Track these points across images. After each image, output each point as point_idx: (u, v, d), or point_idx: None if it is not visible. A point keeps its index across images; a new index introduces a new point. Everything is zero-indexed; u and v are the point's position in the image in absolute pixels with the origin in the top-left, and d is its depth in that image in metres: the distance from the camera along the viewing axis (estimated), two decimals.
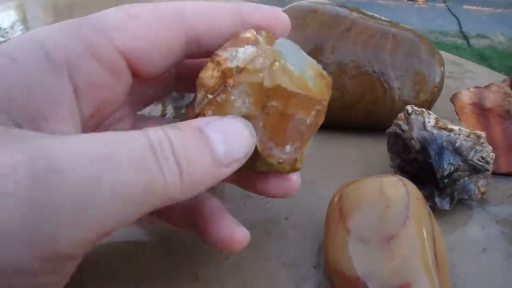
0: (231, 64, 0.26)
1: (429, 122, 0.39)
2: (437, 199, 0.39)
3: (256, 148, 0.27)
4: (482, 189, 0.40)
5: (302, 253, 0.36)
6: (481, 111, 0.49)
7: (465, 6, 4.70)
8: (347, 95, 0.47)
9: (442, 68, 0.50)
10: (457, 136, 0.38)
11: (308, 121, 0.28)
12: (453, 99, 0.50)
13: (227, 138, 0.24)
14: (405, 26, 0.52)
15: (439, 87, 0.49)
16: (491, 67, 3.03)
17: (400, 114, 0.41)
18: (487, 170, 0.39)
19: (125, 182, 0.19)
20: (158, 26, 0.27)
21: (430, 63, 0.48)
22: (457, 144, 0.38)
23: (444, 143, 0.38)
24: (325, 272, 0.34)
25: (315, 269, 0.34)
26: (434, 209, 0.40)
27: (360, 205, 0.31)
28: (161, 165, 0.21)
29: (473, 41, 3.57)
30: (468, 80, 0.72)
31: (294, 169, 0.30)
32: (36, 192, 0.18)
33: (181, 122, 0.24)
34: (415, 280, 0.28)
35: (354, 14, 0.50)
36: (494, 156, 0.40)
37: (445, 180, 0.38)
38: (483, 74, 0.76)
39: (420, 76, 0.48)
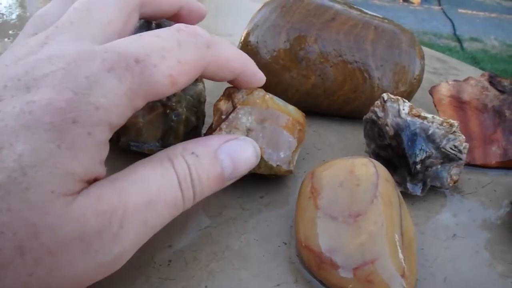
0: (237, 94, 0.38)
1: (403, 109, 0.40)
2: (409, 184, 0.40)
3: (260, 152, 0.35)
4: (455, 178, 0.41)
5: (274, 230, 0.37)
6: (459, 103, 0.50)
7: (460, 10, 4.73)
8: (328, 82, 0.48)
9: (422, 61, 0.50)
10: (430, 123, 0.39)
11: (293, 136, 0.39)
12: (432, 91, 0.51)
13: (235, 161, 0.30)
14: (389, 19, 0.53)
15: (418, 79, 0.50)
16: (483, 70, 3.05)
17: (376, 102, 0.41)
18: (460, 159, 0.40)
19: (162, 221, 0.27)
20: None
21: (410, 55, 0.49)
22: (430, 132, 0.39)
23: (417, 130, 0.39)
24: (295, 247, 0.35)
25: (285, 245, 0.35)
26: (407, 194, 0.41)
27: (331, 183, 0.32)
28: (184, 199, 0.27)
29: (466, 44, 3.60)
30: (452, 76, 0.74)
31: (288, 171, 0.38)
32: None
33: (200, 144, 0.30)
34: (380, 255, 0.29)
35: (339, 5, 0.51)
36: (467, 146, 0.40)
37: (417, 166, 0.39)
38: (467, 72, 0.77)
39: (399, 67, 0.49)
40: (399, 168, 0.40)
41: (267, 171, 0.38)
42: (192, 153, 0.28)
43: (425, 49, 0.84)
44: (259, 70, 0.36)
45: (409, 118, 0.39)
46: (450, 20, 4.19)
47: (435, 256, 0.36)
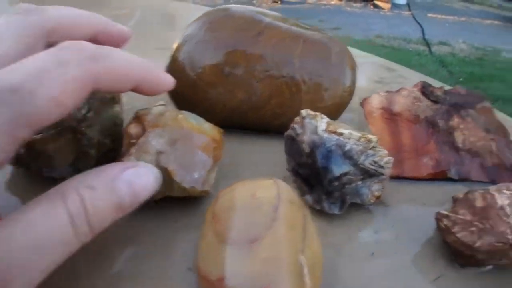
0: (147, 117, 0.37)
1: (320, 126, 0.39)
2: (325, 203, 0.39)
3: (172, 176, 0.35)
4: (376, 193, 0.40)
5: (182, 255, 0.36)
6: (390, 115, 0.49)
7: (429, 14, 4.79)
8: (254, 98, 0.47)
9: (353, 72, 0.50)
10: (346, 140, 0.38)
11: (208, 155, 0.38)
12: (363, 103, 0.50)
13: (134, 188, 0.29)
14: (323, 32, 0.52)
15: (349, 91, 0.49)
16: (451, 73, 3.09)
17: (296, 118, 0.41)
18: (382, 174, 0.40)
19: (52, 262, 0.26)
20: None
21: (340, 67, 0.49)
22: (347, 148, 0.38)
23: (333, 147, 0.38)
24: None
25: (190, 271, 0.34)
26: (325, 213, 0.40)
27: (231, 208, 0.31)
28: (78, 234, 0.26)
29: (434, 48, 3.63)
30: (397, 85, 0.73)
31: (203, 192, 0.37)
32: None
33: (97, 175, 0.29)
34: (274, 283, 0.28)
35: (269, 19, 0.50)
36: (391, 160, 0.40)
37: (332, 184, 0.38)
38: (415, 80, 0.76)
39: (329, 80, 0.48)
40: (315, 186, 0.39)
41: (180, 193, 0.37)
42: (88, 186, 0.27)
43: (373, 58, 0.84)
44: (165, 73, 0.35)
45: (325, 135, 0.38)
46: (420, 24, 4.24)
47: (348, 278, 0.35)
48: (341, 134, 0.38)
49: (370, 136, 0.39)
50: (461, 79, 2.97)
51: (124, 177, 0.29)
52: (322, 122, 0.39)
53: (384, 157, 0.39)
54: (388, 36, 3.73)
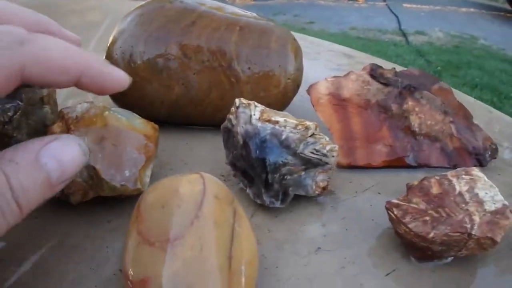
0: (72, 115, 0.36)
1: (254, 115, 0.36)
2: (265, 197, 0.36)
3: (100, 174, 0.34)
4: (322, 184, 0.37)
5: (114, 256, 0.33)
6: (338, 101, 0.47)
7: (405, 5, 4.80)
8: (193, 91, 0.44)
9: (297, 59, 0.47)
10: (282, 128, 0.35)
11: (139, 152, 0.36)
12: (309, 90, 0.47)
13: (61, 162, 0.26)
14: (262, 17, 0.49)
15: (294, 78, 0.47)
16: (428, 62, 3.08)
17: (232, 108, 0.38)
18: (326, 163, 0.37)
19: None
20: None
21: (281, 53, 0.46)
22: (283, 137, 0.35)
23: (268, 136, 0.35)
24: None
25: (121, 272, 0.31)
26: (270, 208, 0.37)
27: (153, 205, 0.28)
28: (4, 213, 0.23)
29: (411, 38, 3.63)
30: None
31: (136, 190, 0.35)
32: None
33: (19, 150, 0.25)
34: (196, 284, 0.25)
35: (204, 7, 0.47)
36: (335, 148, 0.37)
37: (270, 176, 0.35)
38: None
39: (269, 68, 0.45)
40: (254, 179, 0.36)
41: (111, 192, 0.35)
42: (10, 160, 0.24)
43: (332, 45, 0.82)
44: (117, 69, 0.30)
45: (259, 124, 0.36)
46: (395, 15, 4.24)
47: (290, 275, 0.32)
48: (276, 122, 0.36)
49: (308, 123, 0.36)
50: (438, 68, 2.97)
51: (49, 151, 0.26)
52: (256, 110, 0.36)
53: (326, 145, 0.37)
54: (363, 28, 3.72)
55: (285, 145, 0.35)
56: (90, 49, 0.73)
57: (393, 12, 4.34)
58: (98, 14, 0.94)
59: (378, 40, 3.40)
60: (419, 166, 0.46)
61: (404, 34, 3.68)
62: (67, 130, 0.35)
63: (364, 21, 3.97)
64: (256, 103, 0.37)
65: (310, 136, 0.36)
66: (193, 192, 0.28)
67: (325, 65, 0.72)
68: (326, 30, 3.43)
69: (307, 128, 0.36)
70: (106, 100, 0.47)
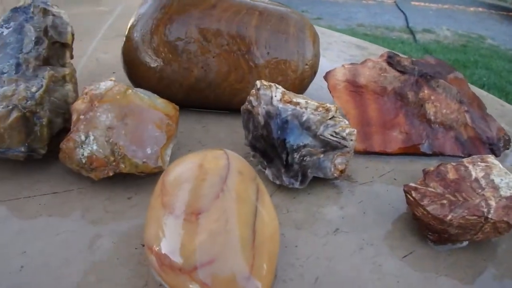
0: (96, 92, 0.36)
1: (275, 96, 0.36)
2: (284, 177, 0.36)
3: (123, 151, 0.35)
4: (340, 167, 0.38)
5: (135, 232, 0.34)
6: (355, 88, 0.47)
7: (413, 3, 4.77)
8: (211, 74, 0.45)
9: (314, 44, 0.47)
10: (303, 109, 0.36)
11: (161, 131, 0.36)
12: (327, 76, 0.48)
13: None
14: (281, 3, 0.49)
15: (311, 64, 0.47)
16: None
17: (252, 90, 0.38)
18: (345, 146, 0.37)
19: None
20: None
21: (299, 39, 0.46)
22: (304, 118, 0.36)
23: (289, 117, 0.35)
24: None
25: (143, 247, 0.32)
26: (288, 189, 0.38)
27: (178, 179, 0.29)
28: None
29: (419, 36, 3.61)
30: None
31: (157, 168, 0.36)
32: None
33: None
34: (222, 255, 0.25)
35: None
36: (354, 132, 0.37)
37: (290, 156, 0.35)
38: None
39: (287, 53, 0.45)
40: (274, 160, 0.37)
41: (133, 169, 0.36)
42: None
43: (344, 37, 0.82)
44: None
45: (280, 105, 0.36)
46: (403, 12, 4.22)
47: (309, 254, 0.33)
48: (297, 103, 0.36)
49: (328, 105, 0.36)
50: None
51: None
52: (277, 92, 0.36)
53: (346, 128, 0.37)
54: (371, 24, 3.71)
55: (305, 126, 0.36)
56: (102, 35, 0.73)
57: (401, 10, 4.32)
58: (110, 2, 0.94)
59: (386, 38, 3.39)
60: (434, 154, 0.46)
61: (411, 32, 3.66)
62: (91, 106, 0.36)
63: (372, 18, 3.95)
64: (277, 85, 0.37)
65: (330, 118, 0.36)
66: (218, 166, 0.29)
67: (337, 55, 0.72)
68: (334, 26, 3.42)
69: (327, 110, 0.36)
70: (125, 81, 0.47)
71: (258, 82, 0.37)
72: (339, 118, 0.37)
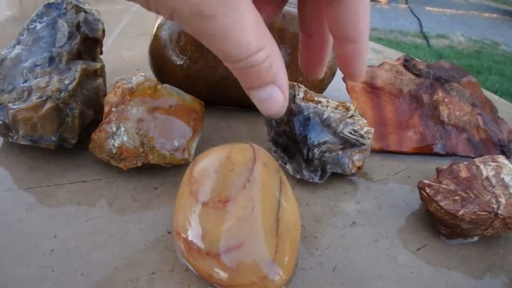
0: (127, 86, 0.39)
1: (298, 94, 0.38)
2: (305, 172, 0.38)
3: (152, 142, 0.37)
4: (358, 164, 0.40)
5: (161, 219, 0.36)
6: (372, 89, 0.49)
7: (427, 8, 4.77)
8: None
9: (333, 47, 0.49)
10: (324, 108, 0.38)
11: (188, 125, 0.39)
12: (345, 78, 0.50)
13: None
14: None
15: (330, 66, 0.49)
16: None
17: None
18: (363, 144, 0.39)
19: None
20: None
21: None
22: (325, 116, 0.38)
23: (311, 115, 0.37)
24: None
25: (169, 234, 0.34)
26: (309, 182, 0.40)
27: (206, 169, 0.31)
28: None
29: (432, 41, 3.62)
30: None
31: (183, 159, 0.38)
32: None
33: None
34: (247, 241, 0.27)
35: None
36: (371, 130, 0.39)
37: (311, 152, 0.37)
38: None
39: None
40: (295, 155, 0.39)
41: (160, 161, 0.38)
42: None
43: None
44: None
45: (303, 103, 0.38)
46: (417, 18, 4.23)
47: (328, 244, 0.35)
48: (318, 102, 0.38)
49: (348, 104, 0.38)
50: None
51: None
52: (299, 91, 0.39)
53: (364, 127, 0.39)
54: (385, 29, 3.72)
55: (326, 124, 0.38)
56: (118, 32, 0.76)
57: (415, 15, 4.32)
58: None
59: (399, 42, 3.40)
60: (446, 154, 0.48)
61: (425, 37, 3.67)
62: (123, 99, 0.38)
63: (386, 22, 3.96)
64: (299, 84, 0.39)
65: (349, 117, 0.38)
66: (245, 158, 0.31)
67: None
68: None
69: (347, 109, 0.38)
70: (151, 77, 0.49)
71: None
72: (358, 117, 0.39)
